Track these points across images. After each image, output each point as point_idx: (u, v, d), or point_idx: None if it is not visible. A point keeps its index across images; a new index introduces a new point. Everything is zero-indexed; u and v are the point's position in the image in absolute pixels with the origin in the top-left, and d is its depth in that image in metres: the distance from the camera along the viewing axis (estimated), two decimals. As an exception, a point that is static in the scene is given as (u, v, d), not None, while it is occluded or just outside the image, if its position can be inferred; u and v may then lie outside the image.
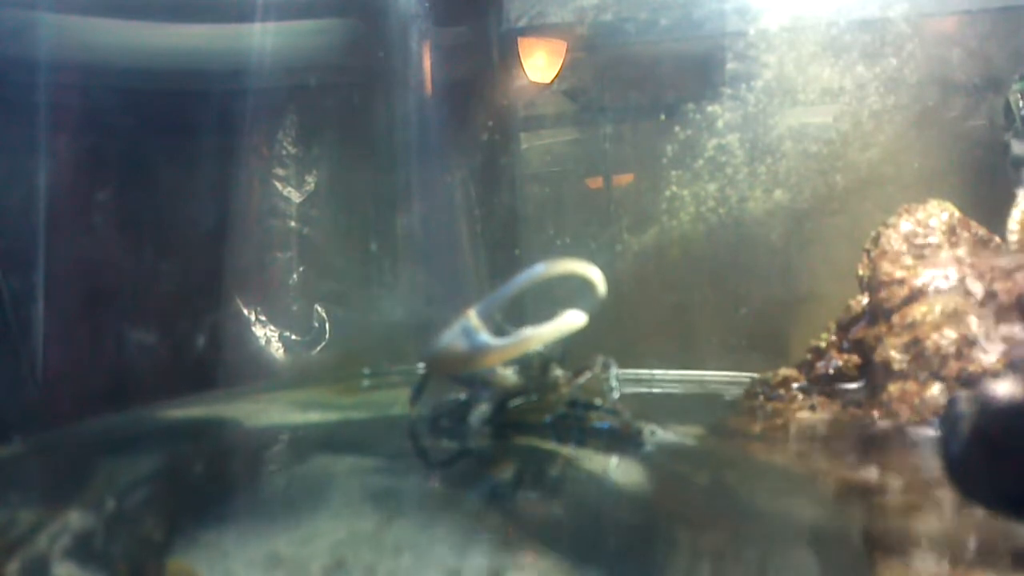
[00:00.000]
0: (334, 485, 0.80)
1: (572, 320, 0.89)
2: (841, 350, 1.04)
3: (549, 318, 0.95)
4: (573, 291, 0.92)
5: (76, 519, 0.63)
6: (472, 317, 0.91)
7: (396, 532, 0.62)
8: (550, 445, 0.90)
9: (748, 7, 1.48)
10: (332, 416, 1.14)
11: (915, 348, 0.91)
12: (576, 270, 0.91)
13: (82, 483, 0.78)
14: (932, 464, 0.78)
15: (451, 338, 0.91)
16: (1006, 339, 0.87)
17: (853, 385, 1.01)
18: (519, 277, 0.93)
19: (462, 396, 0.98)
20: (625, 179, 1.71)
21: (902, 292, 0.98)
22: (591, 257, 1.50)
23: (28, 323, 1.40)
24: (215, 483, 0.85)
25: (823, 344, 1.05)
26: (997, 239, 1.06)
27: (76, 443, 1.02)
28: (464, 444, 0.94)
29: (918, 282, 0.97)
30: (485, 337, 0.90)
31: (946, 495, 0.65)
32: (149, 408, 1.19)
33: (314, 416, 1.15)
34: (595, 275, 0.91)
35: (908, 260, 1.02)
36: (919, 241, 1.05)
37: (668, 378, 1.36)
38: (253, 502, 0.76)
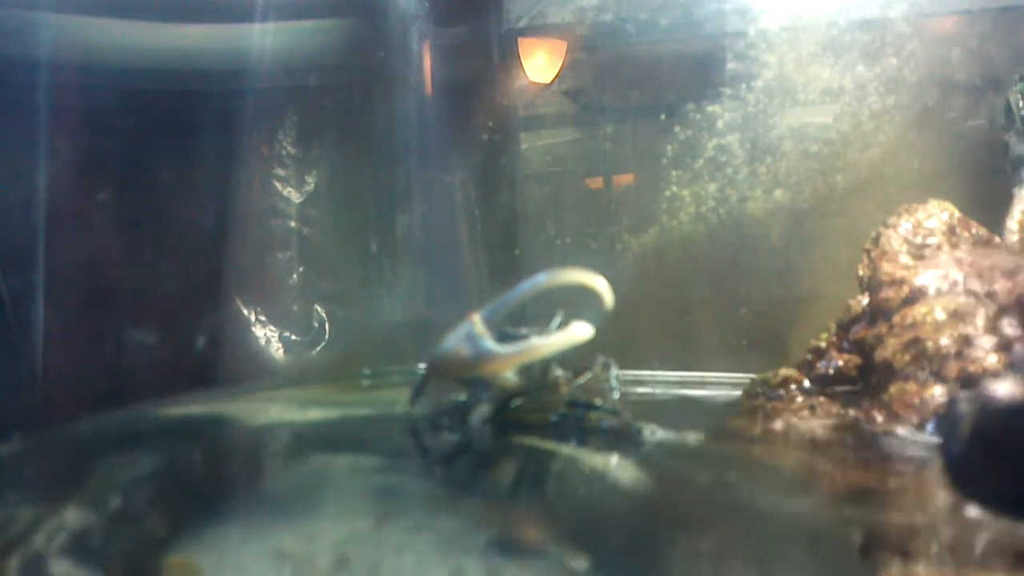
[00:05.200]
0: (335, 483, 0.80)
1: (578, 332, 0.89)
2: (841, 350, 1.04)
3: (549, 319, 0.95)
4: (575, 294, 0.92)
5: (76, 517, 0.63)
6: (477, 323, 0.91)
7: (397, 530, 0.62)
8: (550, 445, 0.90)
9: (748, 7, 1.48)
10: (333, 414, 1.14)
11: (915, 348, 0.91)
12: (583, 280, 0.91)
13: (82, 481, 0.78)
14: (932, 464, 0.78)
15: (455, 343, 0.91)
16: (1006, 339, 0.87)
17: (853, 385, 1.00)
18: (524, 284, 0.93)
19: (462, 396, 0.98)
20: (625, 179, 1.71)
21: (902, 292, 0.98)
22: (591, 257, 1.50)
23: (28, 323, 1.40)
24: (216, 481, 0.85)
25: (823, 344, 1.05)
26: (997, 239, 1.06)
27: (76, 441, 1.02)
28: (465, 444, 0.94)
29: (918, 282, 0.97)
30: (490, 343, 0.90)
31: (946, 495, 0.65)
32: (149, 406, 1.19)
33: (315, 414, 1.15)
34: (601, 286, 0.91)
35: (908, 260, 1.02)
36: (919, 241, 1.05)
37: (668, 378, 1.36)
38: (254, 500, 0.76)
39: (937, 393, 0.87)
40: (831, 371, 1.02)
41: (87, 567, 0.55)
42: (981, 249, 1.02)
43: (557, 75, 1.67)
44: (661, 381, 1.35)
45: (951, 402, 0.55)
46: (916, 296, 0.96)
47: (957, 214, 1.08)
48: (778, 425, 0.95)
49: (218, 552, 0.57)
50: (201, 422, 1.12)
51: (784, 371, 1.05)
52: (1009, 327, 0.88)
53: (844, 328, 1.05)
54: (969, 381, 0.85)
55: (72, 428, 1.09)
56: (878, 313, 1.00)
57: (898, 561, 0.58)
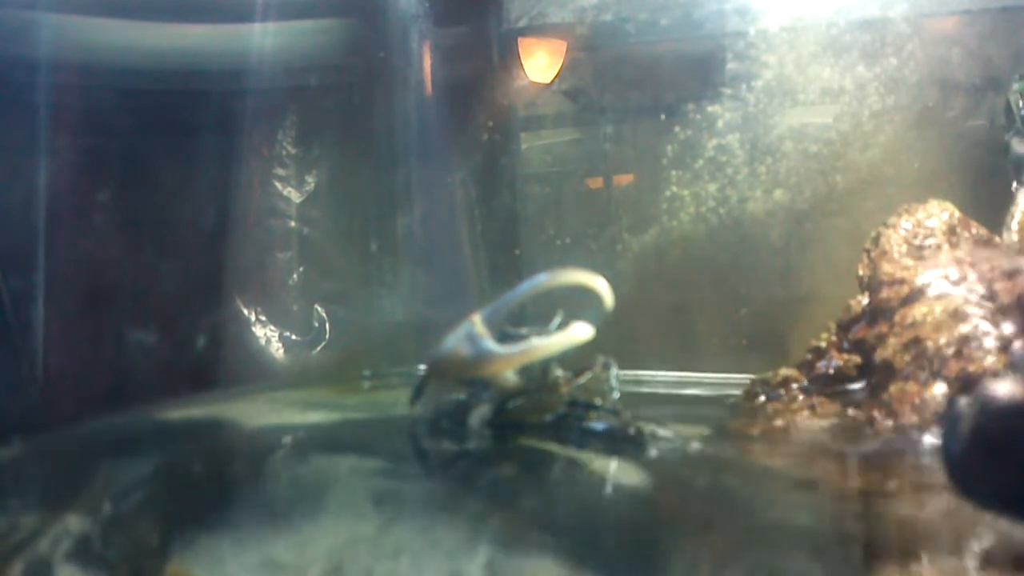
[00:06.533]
0: (334, 487, 0.80)
1: (579, 332, 0.89)
2: (841, 350, 1.04)
3: (549, 319, 0.95)
4: (575, 294, 0.92)
5: (76, 522, 0.63)
6: (477, 323, 0.91)
7: (396, 535, 0.62)
8: (550, 446, 0.90)
9: (748, 7, 1.48)
10: (332, 417, 1.14)
11: (915, 348, 0.91)
12: (583, 281, 0.91)
13: (82, 486, 0.78)
14: (932, 465, 0.78)
15: (455, 343, 0.91)
16: (1006, 339, 0.87)
17: (853, 385, 1.00)
18: (524, 285, 0.93)
19: (462, 397, 0.98)
20: (625, 179, 1.71)
21: (902, 292, 0.98)
22: (591, 257, 1.50)
23: (28, 323, 1.40)
24: (214, 485, 0.85)
25: (823, 344, 1.05)
26: (997, 239, 1.06)
27: (75, 445, 1.01)
28: (464, 445, 0.94)
29: (918, 282, 0.97)
30: (490, 344, 0.90)
31: (946, 496, 0.65)
32: (148, 409, 1.19)
33: (314, 417, 1.15)
34: (601, 286, 0.91)
35: (908, 260, 1.02)
36: (919, 241, 1.05)
37: (668, 379, 1.36)
38: (252, 505, 0.76)
39: (937, 393, 0.87)
40: (831, 371, 1.02)
41: (86, 574, 0.55)
42: (981, 249, 1.02)
43: (557, 75, 1.67)
44: (661, 381, 1.35)
45: (951, 402, 0.55)
46: (916, 296, 0.96)
47: (957, 214, 1.08)
48: (778, 425, 0.95)
49: (215, 560, 0.57)
50: (200, 425, 1.12)
51: (784, 371, 1.05)
52: (1009, 327, 0.88)
53: (844, 328, 1.05)
54: (969, 381, 0.85)
55: (71, 431, 1.09)
56: (878, 313, 1.00)
57: (898, 561, 0.58)
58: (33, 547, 0.58)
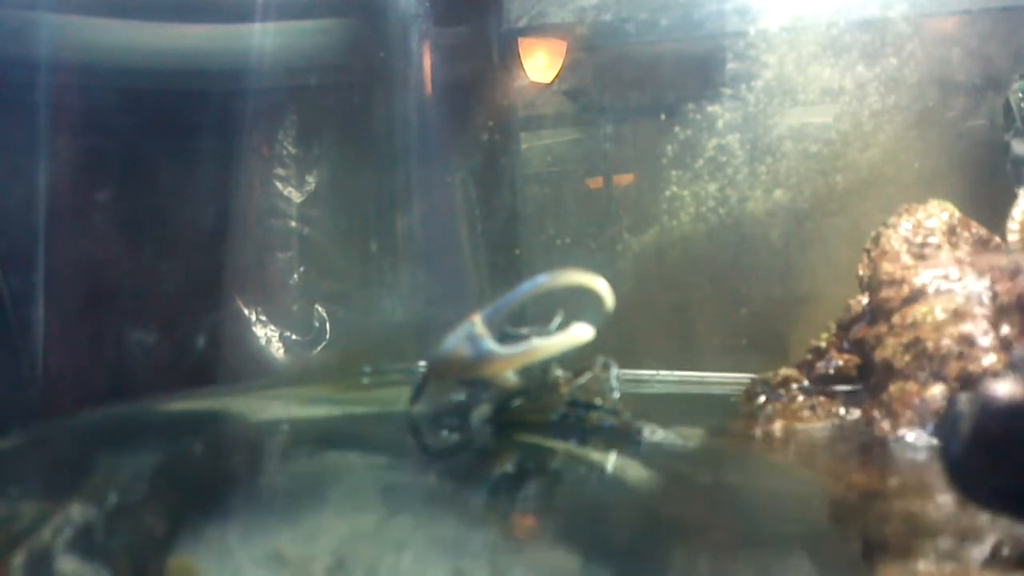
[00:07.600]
0: (336, 481, 0.80)
1: (579, 333, 0.89)
2: (841, 350, 1.04)
3: (549, 320, 0.95)
4: (576, 294, 0.92)
5: (77, 514, 0.63)
6: (477, 323, 0.91)
7: (398, 529, 0.62)
8: (550, 445, 0.90)
9: (748, 7, 1.48)
10: (333, 412, 1.14)
11: (915, 348, 0.91)
12: (583, 282, 0.91)
13: (83, 477, 0.78)
14: (932, 465, 0.78)
15: (455, 343, 0.91)
16: (1006, 339, 0.87)
17: (853, 385, 1.00)
18: (525, 285, 0.93)
19: (462, 396, 0.98)
20: (625, 179, 1.71)
21: (902, 292, 0.98)
22: (591, 257, 1.50)
23: (28, 323, 1.40)
24: (217, 478, 0.85)
25: (823, 344, 1.05)
26: (997, 239, 1.06)
27: (76, 437, 1.02)
28: (465, 444, 0.94)
29: (918, 282, 0.97)
30: (490, 344, 0.90)
31: (946, 496, 0.65)
32: (150, 403, 1.19)
33: (315, 412, 1.15)
34: (602, 287, 0.91)
35: (908, 260, 1.02)
36: (919, 241, 1.05)
37: (668, 378, 1.36)
38: (256, 498, 0.76)
39: (937, 393, 0.87)
40: (831, 371, 1.02)
41: (88, 565, 0.55)
42: (981, 249, 1.02)
43: (557, 75, 1.67)
44: (661, 381, 1.35)
45: (951, 402, 0.55)
46: (916, 296, 0.96)
47: (957, 214, 1.08)
48: (778, 425, 0.95)
49: (219, 552, 0.57)
50: (202, 418, 1.12)
51: (784, 371, 1.05)
52: (1009, 327, 0.88)
53: (844, 328, 1.05)
54: (969, 381, 0.85)
55: (72, 423, 1.09)
56: (878, 313, 1.00)
57: (898, 561, 0.58)
58: (36, 537, 0.58)
